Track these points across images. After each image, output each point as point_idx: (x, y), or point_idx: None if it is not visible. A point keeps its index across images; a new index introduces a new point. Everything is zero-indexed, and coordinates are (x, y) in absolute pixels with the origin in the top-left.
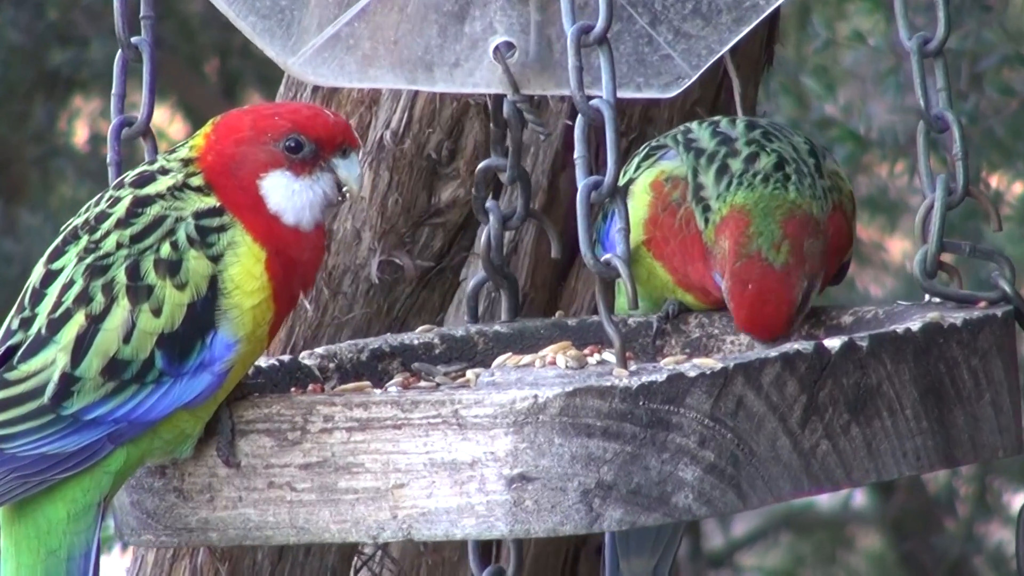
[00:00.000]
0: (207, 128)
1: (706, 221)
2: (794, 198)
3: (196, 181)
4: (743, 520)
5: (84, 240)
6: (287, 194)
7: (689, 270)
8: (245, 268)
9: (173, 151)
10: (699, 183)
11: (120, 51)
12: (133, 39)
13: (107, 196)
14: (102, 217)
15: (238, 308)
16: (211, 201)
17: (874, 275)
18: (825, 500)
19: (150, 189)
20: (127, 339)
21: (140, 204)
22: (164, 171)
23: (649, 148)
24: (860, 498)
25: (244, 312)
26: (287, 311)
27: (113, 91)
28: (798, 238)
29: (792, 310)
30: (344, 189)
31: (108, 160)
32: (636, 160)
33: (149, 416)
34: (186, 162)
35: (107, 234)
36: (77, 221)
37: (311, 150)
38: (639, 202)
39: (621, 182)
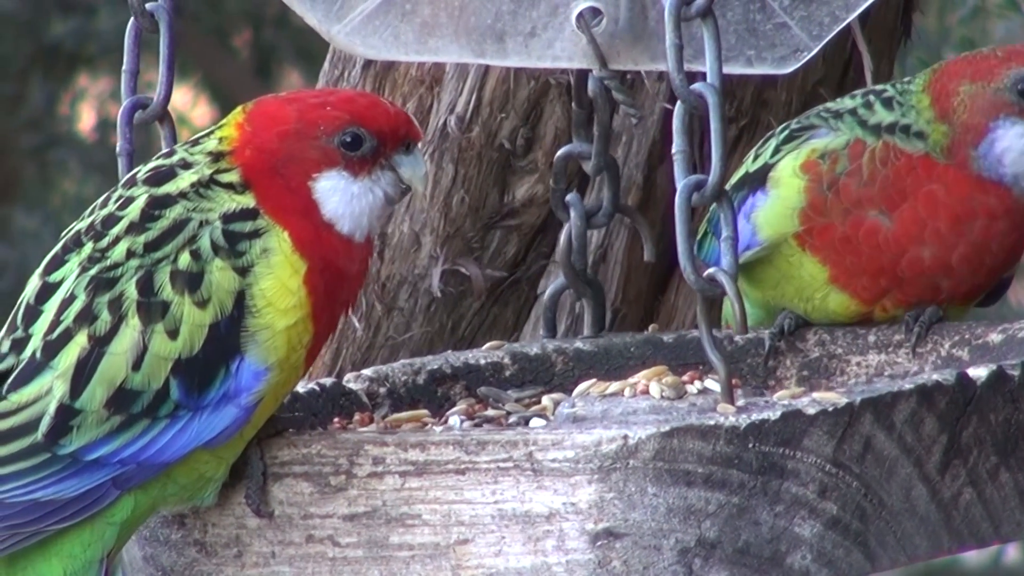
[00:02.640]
0: (237, 116)
1: (920, 135)
2: None
3: (229, 177)
4: None
5: (88, 248)
6: (345, 198)
7: (908, 211)
8: (280, 281)
9: (196, 142)
10: (874, 124)
11: (132, 19)
12: (148, 5)
13: (116, 196)
14: (111, 221)
15: (269, 329)
16: (246, 201)
17: None
18: (972, 557)
19: (169, 187)
20: (137, 365)
21: (157, 205)
22: (186, 165)
23: (791, 130)
24: (1013, 554)
25: (277, 334)
26: (327, 334)
27: (124, 67)
28: None
29: None
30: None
31: (118, 150)
32: (773, 143)
33: (162, 457)
34: (216, 156)
35: (116, 241)
36: (80, 225)
37: (371, 146)
38: (789, 189)
39: (753, 167)
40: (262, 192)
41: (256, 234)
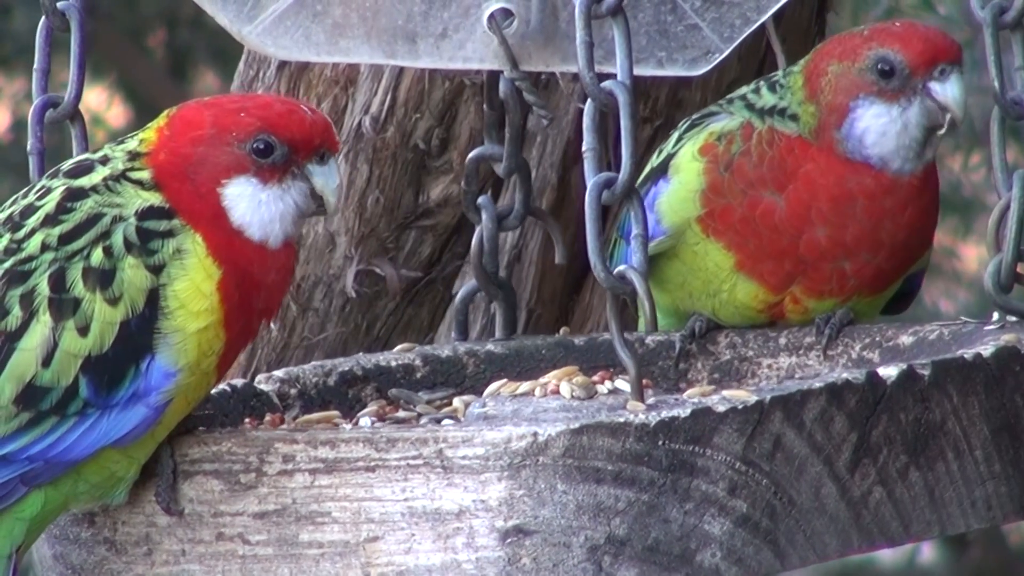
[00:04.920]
0: (161, 120)
1: (795, 117)
2: None
3: (139, 175)
4: None
5: (5, 239)
6: (253, 204)
7: (794, 192)
8: (193, 284)
9: (121, 141)
10: (760, 108)
11: (44, 18)
12: (59, 4)
13: (38, 186)
14: (29, 211)
15: (181, 332)
16: (154, 198)
17: (945, 287)
18: (888, 556)
19: (84, 180)
20: (47, 362)
21: (72, 197)
22: (105, 161)
23: (691, 121)
24: (929, 553)
25: (188, 337)
26: (242, 343)
27: (35, 66)
28: None
29: None
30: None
31: (29, 148)
32: (675, 135)
33: (70, 455)
34: (133, 155)
35: (32, 232)
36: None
37: (283, 154)
38: (688, 173)
39: (656, 161)
40: (172, 195)
41: (170, 234)
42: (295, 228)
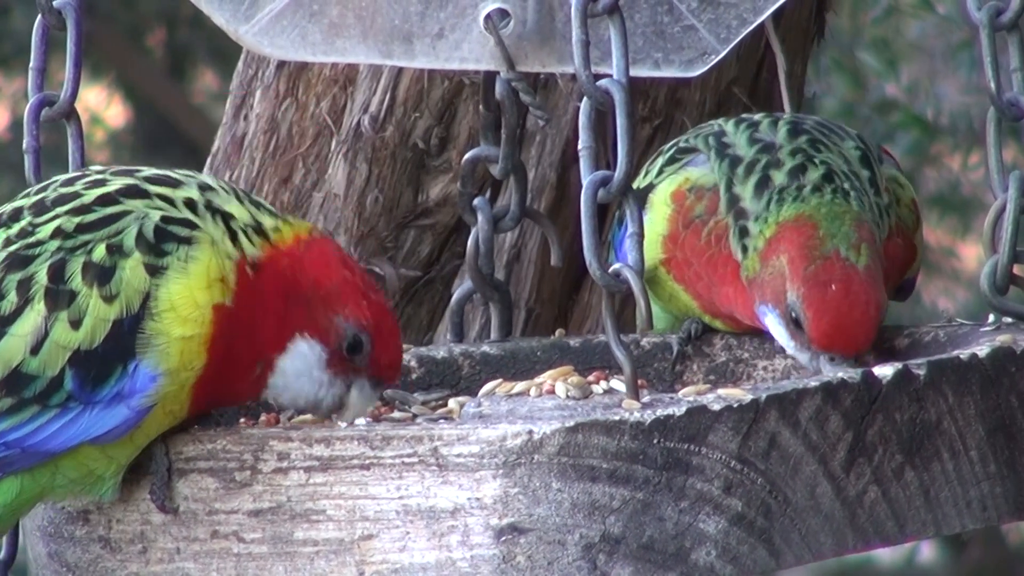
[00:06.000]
0: (302, 231)
1: (744, 249)
2: (858, 210)
3: (248, 241)
4: None
5: (24, 220)
6: (302, 370)
7: (718, 296)
8: (189, 290)
9: (257, 204)
10: (734, 195)
11: (40, 16)
12: (55, 2)
13: (91, 178)
14: (62, 199)
15: (165, 335)
16: (247, 264)
17: (943, 287)
18: (887, 555)
19: (177, 193)
20: (36, 350)
21: (130, 194)
22: (226, 215)
23: (676, 149)
24: (928, 552)
25: (171, 340)
26: (214, 388)
27: (31, 64)
28: (874, 244)
29: (881, 316)
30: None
31: (25, 146)
32: (660, 162)
33: (47, 446)
34: (257, 229)
35: (54, 218)
36: (24, 202)
37: (361, 360)
38: (658, 215)
39: (640, 184)
40: (259, 286)
41: (187, 241)
42: (295, 408)
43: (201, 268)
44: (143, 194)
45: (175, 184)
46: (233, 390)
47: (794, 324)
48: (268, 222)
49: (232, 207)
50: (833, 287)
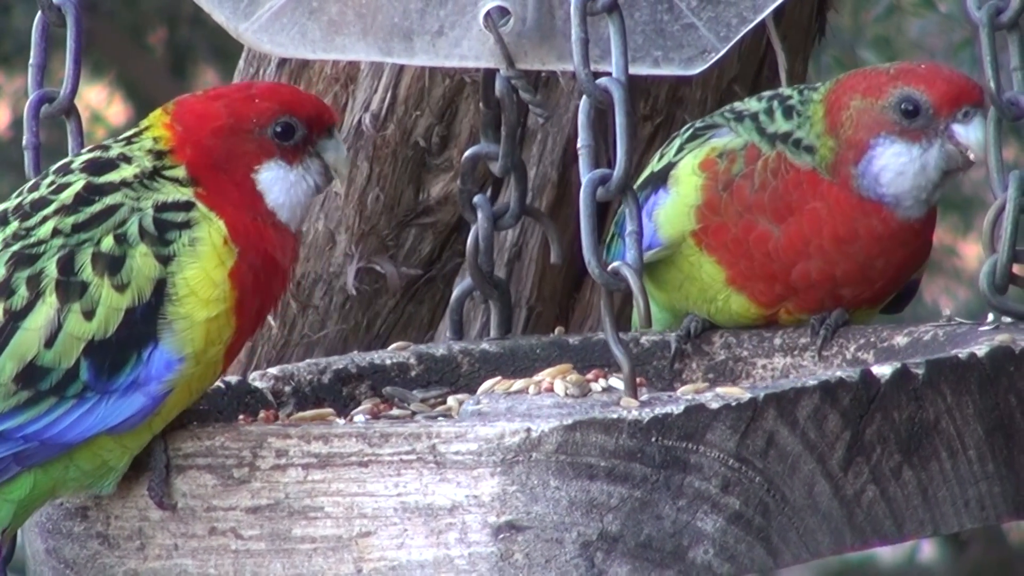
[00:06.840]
0: (162, 118)
1: (809, 150)
2: None
3: (176, 173)
4: None
5: (14, 225)
6: (285, 187)
7: (803, 222)
8: (204, 272)
9: (129, 140)
10: (771, 134)
11: (40, 13)
12: None
13: (48, 181)
14: (41, 203)
15: (188, 319)
16: (184, 194)
17: (944, 285)
18: (887, 554)
19: (112, 176)
20: (50, 343)
21: (95, 191)
22: (126, 159)
23: (695, 128)
24: (928, 551)
25: (195, 324)
26: (251, 330)
27: (31, 61)
28: None
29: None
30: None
31: (24, 143)
32: (677, 142)
33: (65, 437)
34: (157, 153)
35: (44, 220)
36: (8, 205)
37: (302, 134)
38: (687, 186)
39: (657, 166)
40: (209, 187)
41: (187, 225)
42: (307, 211)
43: (208, 248)
44: (109, 188)
45: (113, 165)
46: (265, 298)
47: (908, 118)
48: (147, 143)
49: (132, 160)
50: (921, 64)
